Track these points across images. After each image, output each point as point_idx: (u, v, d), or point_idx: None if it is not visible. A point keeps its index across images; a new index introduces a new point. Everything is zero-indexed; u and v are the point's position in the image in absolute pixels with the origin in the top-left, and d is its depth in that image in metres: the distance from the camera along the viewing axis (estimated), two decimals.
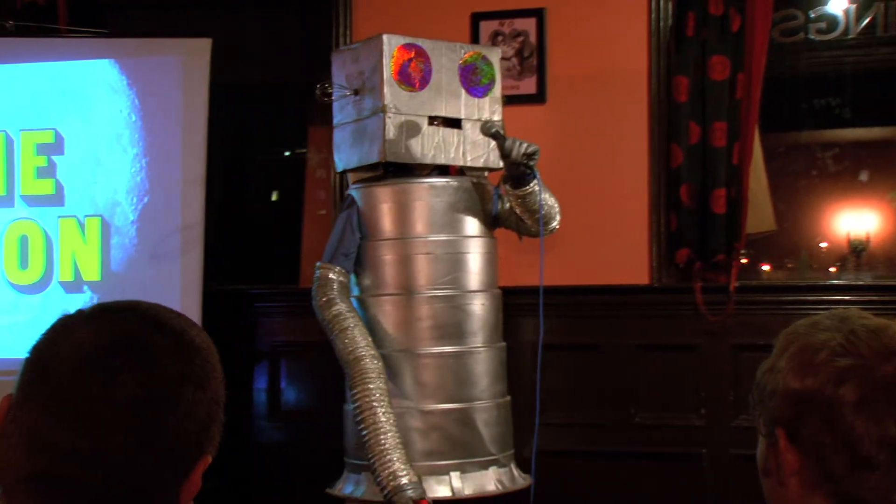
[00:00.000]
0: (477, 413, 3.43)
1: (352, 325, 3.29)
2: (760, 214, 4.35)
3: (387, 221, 3.43)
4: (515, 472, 3.56)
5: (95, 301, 4.18)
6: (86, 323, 1.09)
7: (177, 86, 4.31)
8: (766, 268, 4.91)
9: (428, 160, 3.45)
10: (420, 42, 3.46)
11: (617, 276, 4.36)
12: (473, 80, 3.53)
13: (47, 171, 4.31)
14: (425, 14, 4.49)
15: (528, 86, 4.43)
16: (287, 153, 5.43)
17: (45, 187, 4.31)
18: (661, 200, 4.33)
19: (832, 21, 4.62)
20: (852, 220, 5.08)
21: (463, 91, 3.51)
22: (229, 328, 4.54)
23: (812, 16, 4.64)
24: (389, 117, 3.38)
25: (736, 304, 4.21)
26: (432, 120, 3.47)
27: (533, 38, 4.43)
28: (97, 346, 1.06)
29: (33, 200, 4.32)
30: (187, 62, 4.30)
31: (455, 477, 3.36)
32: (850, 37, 4.63)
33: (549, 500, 4.35)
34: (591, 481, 4.32)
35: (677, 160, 4.24)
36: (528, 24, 4.43)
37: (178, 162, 4.27)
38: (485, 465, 3.43)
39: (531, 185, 3.28)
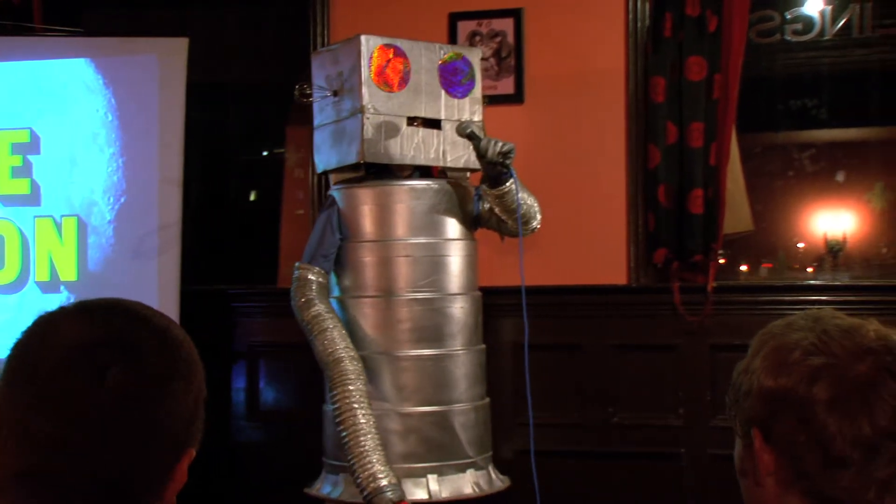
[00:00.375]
0: (455, 416, 3.43)
1: (331, 326, 3.29)
2: (738, 215, 4.37)
3: (367, 223, 3.43)
4: (493, 474, 3.56)
5: (73, 301, 4.14)
6: (70, 320, 1.09)
7: (154, 85, 4.28)
8: (743, 268, 4.93)
9: (407, 161, 3.45)
10: (399, 42, 3.45)
11: (595, 277, 4.37)
12: (453, 80, 3.53)
13: (23, 171, 4.28)
14: (403, 14, 4.49)
15: (506, 86, 4.43)
16: (265, 153, 5.41)
17: (21, 187, 4.28)
18: (639, 201, 4.34)
19: (808, 22, 4.65)
20: (829, 221, 5.11)
21: (442, 92, 3.51)
22: (207, 328, 4.51)
23: (788, 17, 4.67)
24: (368, 118, 3.37)
25: (714, 304, 4.23)
26: (412, 121, 3.46)
27: (511, 39, 4.43)
28: (83, 343, 1.06)
29: (9, 200, 4.28)
30: (164, 61, 4.28)
31: (432, 479, 3.35)
32: (826, 38, 4.66)
33: (528, 500, 4.35)
34: (571, 481, 4.33)
35: (655, 160, 4.25)
36: (506, 25, 4.43)
37: (156, 161, 4.25)
38: (462, 468, 3.42)
39: (508, 184, 3.29)
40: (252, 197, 5.45)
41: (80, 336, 1.07)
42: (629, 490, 4.31)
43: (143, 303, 1.16)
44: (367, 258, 3.42)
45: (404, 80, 3.45)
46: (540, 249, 4.36)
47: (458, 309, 3.47)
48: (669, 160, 4.23)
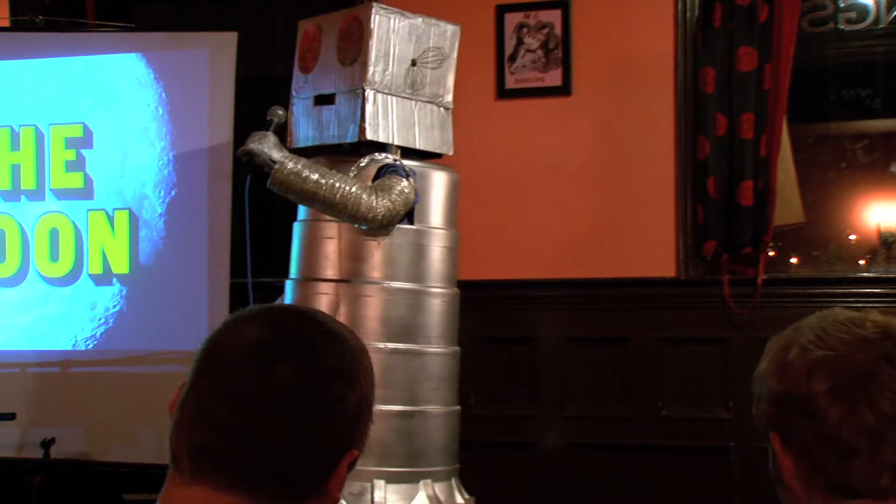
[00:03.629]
0: (422, 420, 3.27)
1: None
2: (789, 206, 4.32)
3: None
4: (456, 488, 3.40)
5: (125, 293, 4.21)
6: (253, 319, 1.20)
7: (203, 79, 4.32)
8: (793, 260, 4.88)
9: (310, 143, 3.39)
10: (321, 19, 3.39)
11: (643, 269, 4.34)
12: (344, 46, 3.32)
13: (76, 165, 4.34)
14: (450, 6, 4.47)
15: (554, 78, 4.41)
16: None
17: (75, 181, 4.34)
18: (688, 192, 4.31)
19: (862, 11, 4.58)
20: (882, 212, 5.03)
21: (336, 61, 3.33)
22: None
23: (841, 5, 4.59)
24: (293, 104, 3.39)
25: (764, 296, 4.18)
26: (320, 100, 3.36)
27: (558, 30, 4.41)
28: (261, 339, 1.17)
29: (63, 194, 4.35)
30: (213, 56, 4.32)
31: (379, 486, 3.16)
32: (881, 27, 4.59)
33: (574, 493, 4.34)
34: (618, 475, 4.31)
35: (704, 152, 4.22)
36: (554, 16, 4.41)
37: (205, 155, 4.29)
38: (418, 477, 3.23)
39: (269, 185, 3.19)
40: None
41: (259, 333, 1.17)
42: (677, 484, 4.28)
43: (319, 310, 1.28)
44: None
45: (315, 59, 3.36)
46: (587, 241, 4.34)
47: (439, 303, 3.36)
48: (719, 151, 4.19)
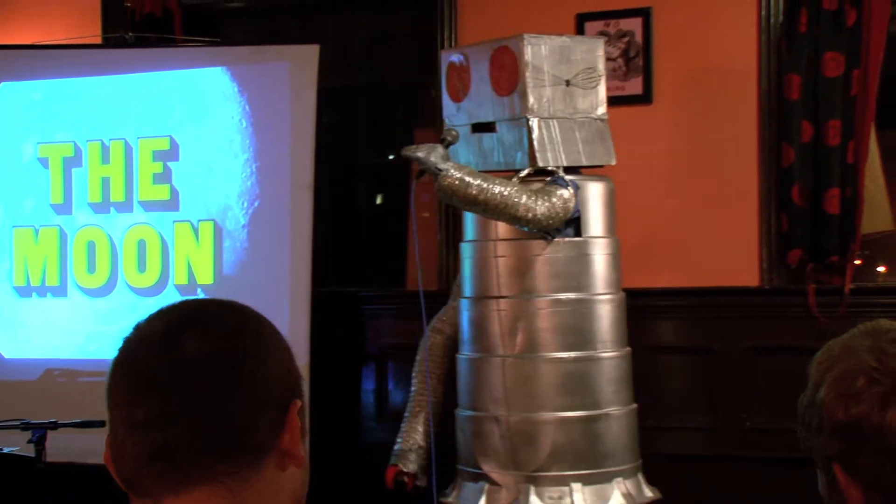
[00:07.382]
0: (600, 422, 3.38)
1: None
2: (877, 214, 4.23)
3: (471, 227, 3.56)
4: (643, 483, 3.51)
5: None
6: (154, 315, 1.16)
7: (285, 92, 4.40)
8: (881, 269, 4.76)
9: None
10: (467, 49, 3.49)
11: (725, 278, 4.28)
12: (498, 76, 3.41)
13: (163, 177, 4.45)
14: (530, 15, 4.48)
15: (635, 86, 4.38)
16: (393, 156, 5.49)
17: (162, 193, 4.45)
18: (772, 200, 4.24)
19: None
20: None
21: (492, 91, 3.42)
22: (338, 330, 4.61)
23: None
24: (444, 130, 3.44)
25: (851, 306, 4.08)
26: (479, 127, 3.45)
27: (639, 38, 4.38)
28: (162, 327, 1.13)
29: (150, 206, 4.46)
30: (295, 68, 4.39)
31: (577, 489, 3.30)
32: None
33: None
34: (701, 486, 4.25)
35: (788, 159, 4.15)
36: (634, 24, 4.38)
37: (288, 167, 4.36)
38: (609, 477, 3.36)
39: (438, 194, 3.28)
40: (379, 200, 5.52)
41: (160, 324, 1.14)
42: (763, 496, 4.20)
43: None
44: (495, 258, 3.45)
45: (466, 88, 3.45)
46: (668, 250, 4.30)
47: (605, 310, 3.45)
48: (804, 159, 4.12)
